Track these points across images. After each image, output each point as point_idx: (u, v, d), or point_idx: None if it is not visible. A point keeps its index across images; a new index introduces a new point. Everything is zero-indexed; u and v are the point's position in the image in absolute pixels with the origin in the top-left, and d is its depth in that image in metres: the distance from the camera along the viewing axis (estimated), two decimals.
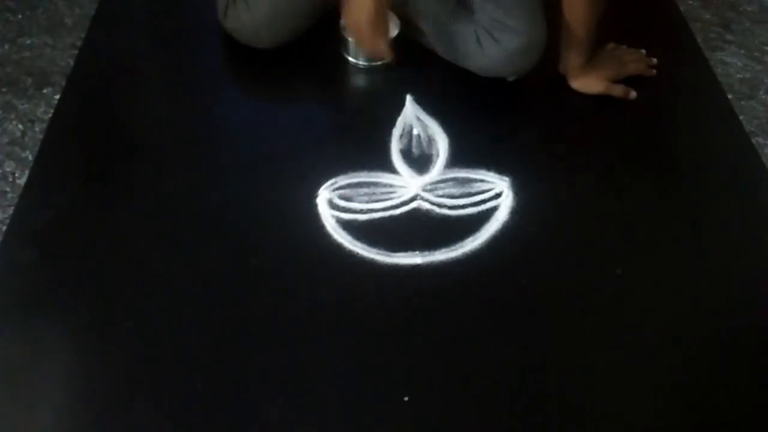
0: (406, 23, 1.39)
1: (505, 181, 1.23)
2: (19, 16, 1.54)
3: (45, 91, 1.39)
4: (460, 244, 1.14)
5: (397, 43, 1.39)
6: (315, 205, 1.18)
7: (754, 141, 1.34)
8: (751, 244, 1.18)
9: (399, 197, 1.20)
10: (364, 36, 1.25)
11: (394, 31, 1.38)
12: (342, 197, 1.19)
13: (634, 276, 1.12)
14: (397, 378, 1.00)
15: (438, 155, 1.26)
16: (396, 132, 1.29)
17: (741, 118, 1.37)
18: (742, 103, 1.41)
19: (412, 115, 1.32)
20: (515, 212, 1.19)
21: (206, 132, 1.31)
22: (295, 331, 1.04)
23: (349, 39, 1.39)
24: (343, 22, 1.40)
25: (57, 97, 1.36)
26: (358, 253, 1.12)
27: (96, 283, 1.09)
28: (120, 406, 0.97)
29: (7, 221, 1.16)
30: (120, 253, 1.12)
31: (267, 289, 1.09)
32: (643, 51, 1.42)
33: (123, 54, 1.45)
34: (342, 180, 1.21)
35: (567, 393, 1.00)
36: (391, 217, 1.17)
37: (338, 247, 1.13)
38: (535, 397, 0.99)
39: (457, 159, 1.26)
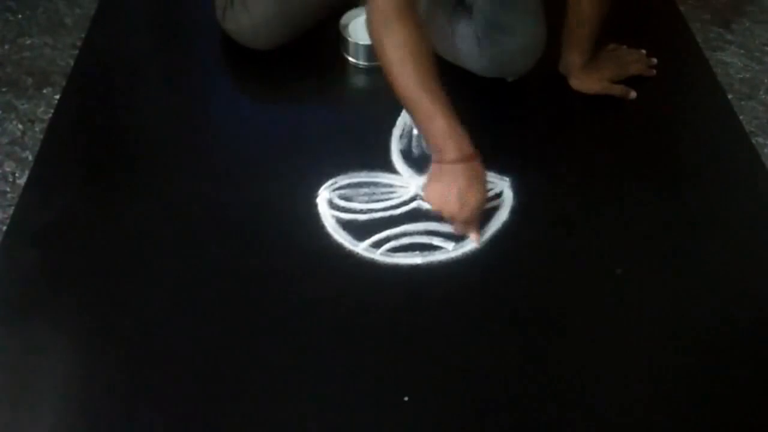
0: None
1: (505, 181, 1.22)
2: (19, 16, 1.54)
3: (45, 91, 1.39)
4: (460, 244, 1.14)
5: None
6: (315, 205, 1.18)
7: (754, 141, 1.34)
8: (751, 244, 1.18)
9: (399, 197, 1.20)
10: (465, 219, 1.12)
11: None
12: (342, 197, 1.19)
13: (634, 276, 1.12)
14: (397, 378, 1.00)
15: None
16: (396, 132, 1.29)
17: (741, 118, 1.37)
18: (742, 103, 1.41)
19: None
20: (515, 212, 1.19)
21: (206, 132, 1.31)
22: (295, 331, 1.04)
23: (349, 39, 1.39)
24: (343, 21, 1.40)
25: (57, 97, 1.36)
26: (358, 253, 1.12)
27: (96, 283, 1.09)
28: (120, 406, 0.97)
29: (7, 221, 1.16)
30: (120, 253, 1.12)
31: (267, 289, 1.09)
32: (643, 51, 1.42)
33: (123, 54, 1.45)
34: (342, 180, 1.21)
35: (567, 393, 0.99)
36: (391, 217, 1.17)
37: (338, 247, 1.13)
38: (535, 397, 0.99)
39: None
